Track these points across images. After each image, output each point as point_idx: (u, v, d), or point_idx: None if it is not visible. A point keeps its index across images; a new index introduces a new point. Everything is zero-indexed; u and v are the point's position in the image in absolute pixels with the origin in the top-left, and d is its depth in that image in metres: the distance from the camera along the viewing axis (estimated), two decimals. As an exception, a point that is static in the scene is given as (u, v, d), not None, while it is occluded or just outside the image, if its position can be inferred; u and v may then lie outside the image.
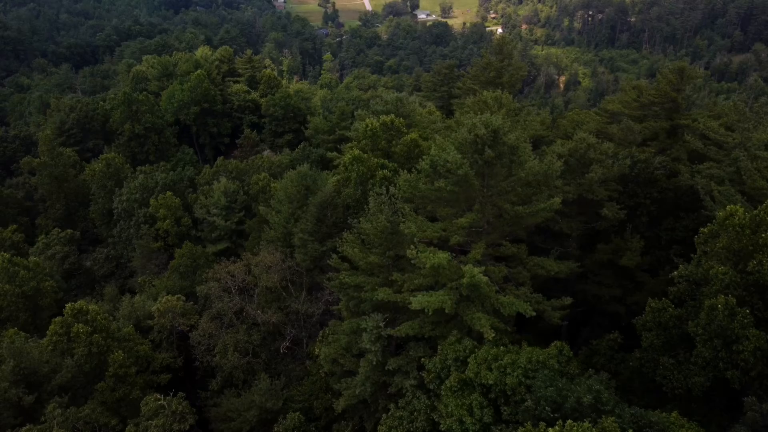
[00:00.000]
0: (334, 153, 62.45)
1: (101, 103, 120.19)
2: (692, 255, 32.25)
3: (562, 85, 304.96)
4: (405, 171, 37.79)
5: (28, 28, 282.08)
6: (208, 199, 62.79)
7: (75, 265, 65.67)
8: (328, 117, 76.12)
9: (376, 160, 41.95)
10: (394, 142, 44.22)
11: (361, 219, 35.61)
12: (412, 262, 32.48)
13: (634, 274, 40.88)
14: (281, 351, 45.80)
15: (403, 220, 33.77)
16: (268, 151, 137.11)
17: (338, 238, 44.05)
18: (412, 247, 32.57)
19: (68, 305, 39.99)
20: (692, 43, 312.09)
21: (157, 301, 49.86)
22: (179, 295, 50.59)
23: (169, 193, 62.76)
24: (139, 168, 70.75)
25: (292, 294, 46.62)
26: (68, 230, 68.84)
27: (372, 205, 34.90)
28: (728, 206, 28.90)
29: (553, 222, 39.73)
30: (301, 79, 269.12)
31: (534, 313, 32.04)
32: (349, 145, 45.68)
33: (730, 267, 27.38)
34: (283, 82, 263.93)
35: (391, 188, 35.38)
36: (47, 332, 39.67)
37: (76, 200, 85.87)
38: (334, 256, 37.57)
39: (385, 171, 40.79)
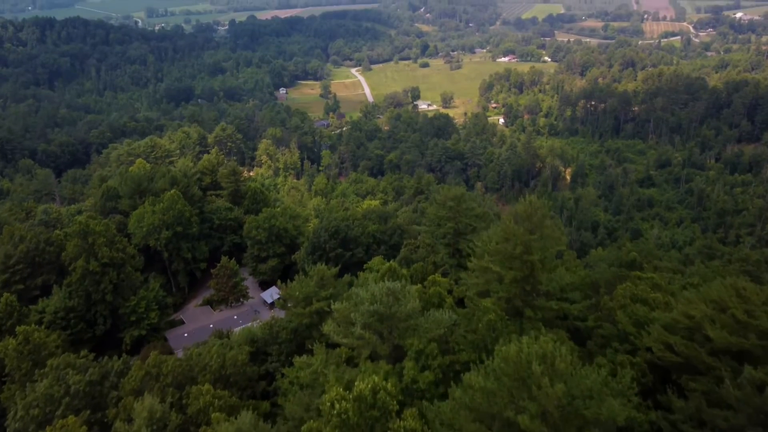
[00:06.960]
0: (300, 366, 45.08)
1: (57, 231, 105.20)
2: None
3: (568, 177, 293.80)
4: None
5: (20, 126, 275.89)
6: (129, 425, 44.79)
7: None
8: (304, 282, 59.35)
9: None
10: (379, 424, 26.98)
11: None
12: None
13: None
14: None
15: None
16: (250, 278, 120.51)
17: None
18: None
19: None
20: (699, 133, 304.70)
21: None
22: None
23: (71, 418, 44.80)
24: (49, 362, 53.17)
25: None
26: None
27: None
28: None
29: None
30: (297, 177, 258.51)
31: None
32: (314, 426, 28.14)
33: None
34: (279, 180, 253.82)
35: None
36: None
37: (-1, 372, 68.32)
38: None
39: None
